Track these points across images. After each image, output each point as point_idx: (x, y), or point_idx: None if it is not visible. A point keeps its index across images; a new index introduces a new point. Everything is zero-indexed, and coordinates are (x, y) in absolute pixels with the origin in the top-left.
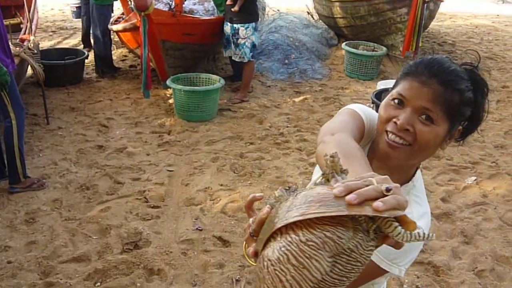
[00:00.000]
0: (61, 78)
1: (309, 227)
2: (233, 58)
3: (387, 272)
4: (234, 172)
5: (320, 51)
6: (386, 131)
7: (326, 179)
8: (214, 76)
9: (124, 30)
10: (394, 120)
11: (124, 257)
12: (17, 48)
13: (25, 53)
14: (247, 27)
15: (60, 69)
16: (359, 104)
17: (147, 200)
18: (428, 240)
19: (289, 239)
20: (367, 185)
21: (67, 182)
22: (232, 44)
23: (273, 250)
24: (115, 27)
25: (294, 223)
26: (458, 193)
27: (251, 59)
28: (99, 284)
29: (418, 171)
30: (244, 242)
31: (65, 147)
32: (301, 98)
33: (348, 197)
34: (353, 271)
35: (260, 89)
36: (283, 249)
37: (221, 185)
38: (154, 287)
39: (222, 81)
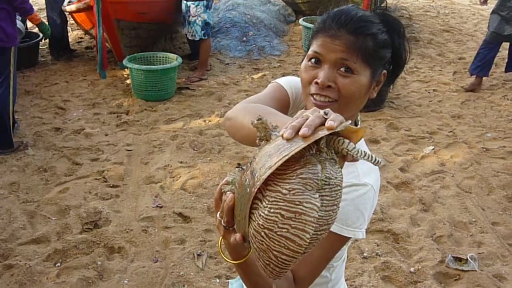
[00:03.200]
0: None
1: (283, 179)
2: (187, 36)
3: (349, 239)
4: (194, 149)
5: (278, 28)
6: (312, 94)
7: (266, 140)
8: (171, 55)
9: (78, 10)
10: (315, 80)
11: (84, 237)
12: None
13: None
14: (197, 5)
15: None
16: (289, 77)
17: (106, 180)
18: (378, 164)
19: (272, 199)
20: (307, 119)
21: (24, 165)
22: (186, 22)
23: (263, 217)
24: (68, 8)
25: (267, 184)
26: (416, 162)
27: (203, 37)
28: (59, 264)
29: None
30: (220, 241)
31: (22, 131)
32: (260, 74)
33: (301, 133)
34: (338, 196)
35: (218, 67)
36: (272, 210)
37: (181, 162)
38: (115, 264)
39: (180, 60)
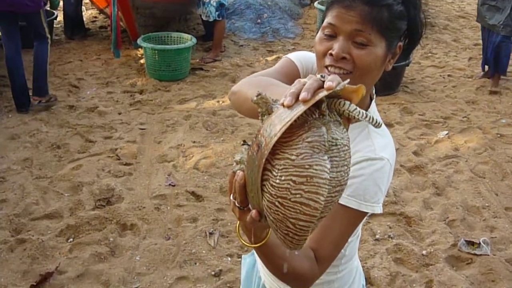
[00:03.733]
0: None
1: (290, 146)
2: (202, 16)
3: (367, 213)
4: (207, 129)
5: (292, 11)
6: (326, 67)
7: (268, 115)
8: (185, 35)
9: None
10: (330, 51)
11: (96, 213)
12: None
13: None
14: None
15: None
16: (301, 52)
17: (119, 157)
18: (379, 126)
19: (281, 167)
20: (304, 85)
21: (37, 142)
22: (200, 2)
23: (276, 187)
24: None
25: (275, 154)
26: (430, 147)
27: (217, 18)
28: (71, 240)
29: (373, 103)
30: (237, 226)
31: (35, 107)
32: (274, 57)
33: (300, 97)
34: (347, 156)
35: (232, 49)
36: (282, 178)
37: (194, 142)
38: (127, 241)
39: (194, 40)
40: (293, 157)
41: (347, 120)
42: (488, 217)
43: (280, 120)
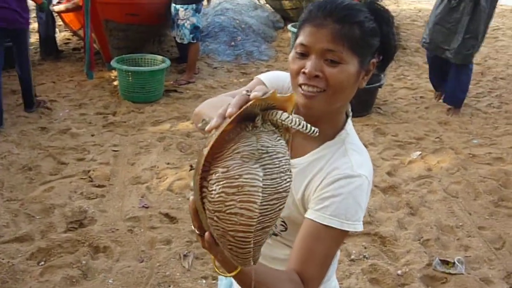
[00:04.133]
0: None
1: (221, 160)
2: (176, 39)
3: (348, 232)
4: (181, 151)
5: (266, 33)
6: (300, 85)
7: None
8: (159, 57)
9: (67, 10)
10: (303, 70)
11: (68, 236)
12: None
13: None
14: (186, 8)
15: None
16: (273, 72)
17: (92, 179)
18: (314, 134)
19: (214, 181)
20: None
21: (9, 164)
22: (175, 25)
23: (212, 202)
24: (57, 8)
25: (209, 170)
26: (404, 167)
27: (192, 41)
28: (43, 263)
29: (349, 120)
30: (212, 259)
31: (6, 130)
32: (248, 79)
33: (227, 114)
34: (283, 163)
35: (206, 71)
36: (214, 191)
37: (168, 163)
38: (99, 264)
39: (168, 62)
40: (224, 170)
41: (287, 130)
42: (462, 236)
43: (209, 140)
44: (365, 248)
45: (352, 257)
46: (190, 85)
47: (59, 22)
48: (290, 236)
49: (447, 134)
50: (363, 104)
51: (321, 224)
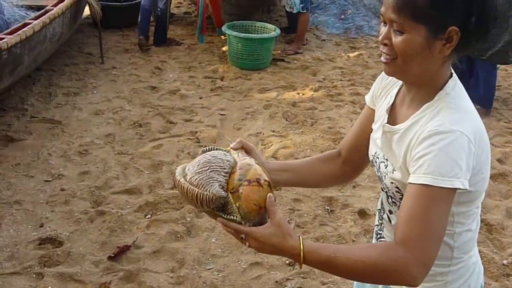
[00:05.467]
0: (117, 20)
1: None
2: (285, 8)
3: (450, 192)
4: (286, 120)
5: (377, 9)
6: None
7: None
8: (270, 25)
9: None
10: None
11: (175, 193)
12: None
13: None
14: None
15: (117, 11)
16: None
17: (198, 140)
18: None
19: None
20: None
21: (120, 119)
22: None
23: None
24: None
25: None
26: None
27: (301, 11)
28: (149, 216)
29: (452, 81)
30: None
31: (119, 86)
32: (356, 53)
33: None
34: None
35: (314, 42)
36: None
37: (273, 131)
38: (203, 222)
39: (278, 31)
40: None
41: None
42: None
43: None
44: None
45: None
46: (297, 55)
47: None
48: None
49: None
50: None
51: (416, 184)
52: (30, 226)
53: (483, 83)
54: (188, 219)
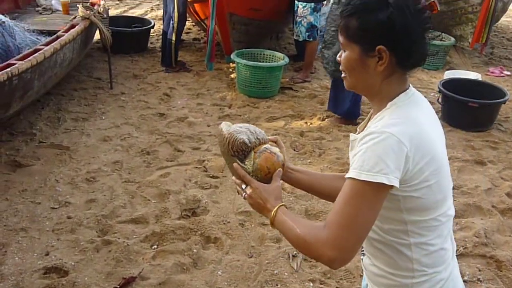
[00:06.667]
0: (127, 45)
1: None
2: (293, 35)
3: (373, 183)
4: (294, 150)
5: None
6: None
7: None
8: (278, 54)
9: (193, 1)
10: None
11: (181, 223)
12: (88, 11)
13: (94, 16)
14: (305, 6)
15: (127, 37)
16: None
17: (206, 169)
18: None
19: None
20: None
21: (128, 146)
22: (294, 21)
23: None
24: None
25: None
26: None
27: (308, 39)
28: (155, 246)
29: (405, 95)
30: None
31: (127, 112)
32: None
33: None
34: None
35: (322, 71)
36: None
37: None
38: (210, 254)
39: (286, 59)
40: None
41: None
42: None
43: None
44: (480, 270)
45: (466, 278)
46: (305, 84)
47: None
48: None
49: None
50: (484, 119)
51: (346, 178)
52: (35, 254)
53: (348, 97)
54: (195, 250)
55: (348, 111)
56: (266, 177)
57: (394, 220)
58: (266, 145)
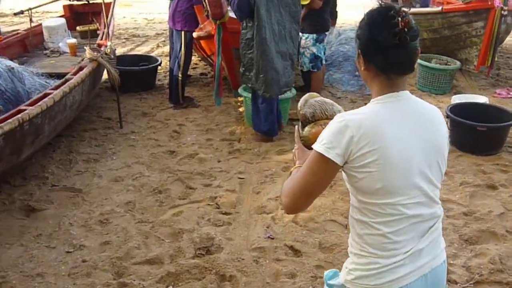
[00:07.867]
0: (135, 84)
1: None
2: (298, 67)
3: (318, 153)
4: None
5: None
6: None
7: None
8: None
9: (199, 38)
10: None
11: (196, 262)
12: (95, 53)
13: (102, 58)
14: (307, 37)
15: (134, 75)
16: None
17: (218, 206)
18: None
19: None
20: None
21: (140, 185)
22: (299, 52)
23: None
24: (195, 34)
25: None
26: None
27: (312, 70)
28: (171, 287)
29: (388, 97)
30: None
31: (138, 151)
32: None
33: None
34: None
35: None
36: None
37: None
38: None
39: (294, 91)
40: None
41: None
42: None
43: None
44: None
45: None
46: None
47: None
48: None
49: None
50: (493, 143)
51: None
52: None
53: (264, 112)
54: None
55: (265, 128)
56: (310, 144)
57: (352, 195)
58: (328, 121)
